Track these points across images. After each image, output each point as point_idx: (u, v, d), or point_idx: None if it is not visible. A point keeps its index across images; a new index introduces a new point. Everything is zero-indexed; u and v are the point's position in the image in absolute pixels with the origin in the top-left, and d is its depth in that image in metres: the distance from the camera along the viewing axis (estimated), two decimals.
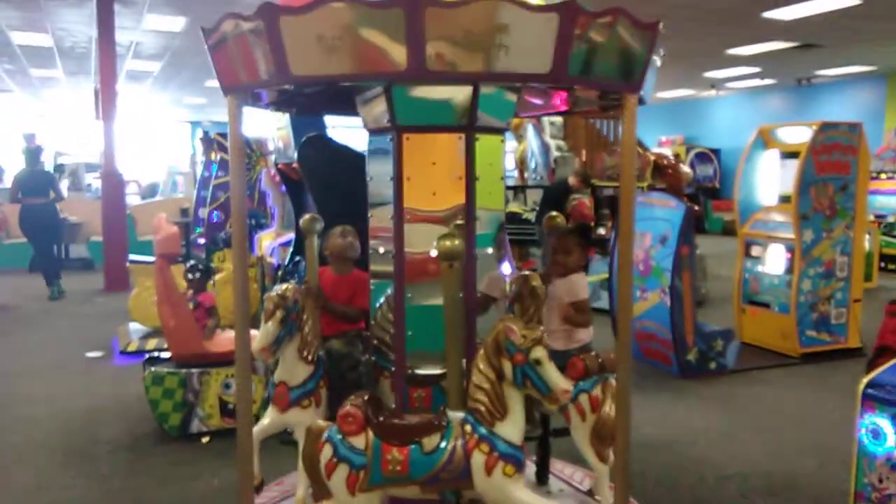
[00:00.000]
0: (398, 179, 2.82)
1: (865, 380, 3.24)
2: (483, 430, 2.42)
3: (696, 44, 12.04)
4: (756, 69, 15.33)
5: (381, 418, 2.53)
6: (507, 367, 2.41)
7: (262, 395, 4.38)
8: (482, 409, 2.44)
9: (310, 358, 3.01)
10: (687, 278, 5.88)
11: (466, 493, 2.53)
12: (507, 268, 3.36)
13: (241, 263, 2.68)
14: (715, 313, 7.70)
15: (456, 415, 2.51)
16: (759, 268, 6.68)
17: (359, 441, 2.46)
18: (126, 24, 10.48)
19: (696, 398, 5.37)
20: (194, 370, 4.52)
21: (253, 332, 2.81)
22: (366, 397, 2.58)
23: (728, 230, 15.94)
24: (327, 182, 4.82)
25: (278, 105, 3.48)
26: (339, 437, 2.49)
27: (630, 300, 2.69)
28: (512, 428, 2.44)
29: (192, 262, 5.22)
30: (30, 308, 8.83)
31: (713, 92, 19.24)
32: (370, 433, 2.47)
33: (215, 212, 9.09)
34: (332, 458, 2.48)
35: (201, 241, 9.31)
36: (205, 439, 4.48)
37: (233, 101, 2.53)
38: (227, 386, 4.53)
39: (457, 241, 2.54)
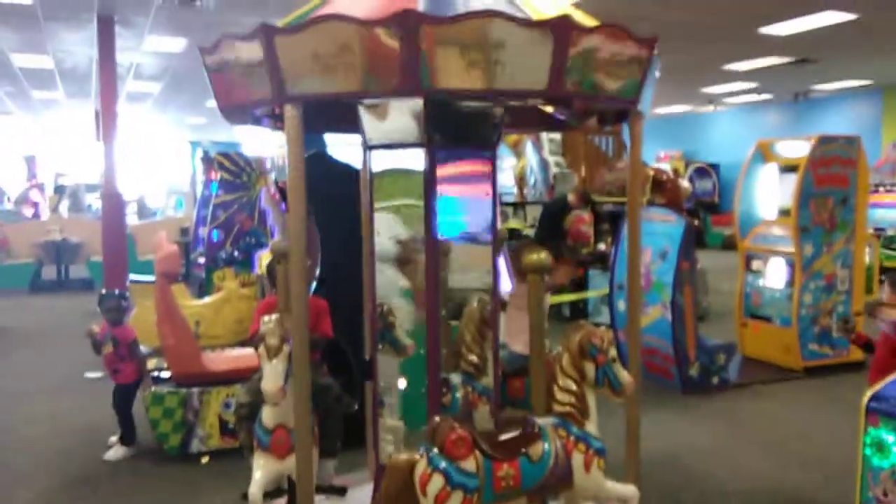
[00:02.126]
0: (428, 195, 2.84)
1: (869, 393, 3.23)
2: (577, 431, 2.61)
3: (694, 59, 12.09)
4: (753, 84, 15.40)
5: (484, 438, 2.51)
6: (590, 368, 2.62)
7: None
8: (572, 410, 2.63)
9: None
10: (688, 293, 5.87)
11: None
12: (507, 283, 3.37)
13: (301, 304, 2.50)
14: (716, 328, 7.68)
15: (546, 420, 2.61)
16: (761, 282, 6.67)
17: (469, 464, 2.40)
18: (127, 45, 10.55)
19: (698, 413, 5.34)
20: (194, 389, 4.50)
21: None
22: (451, 420, 2.50)
23: (728, 244, 15.92)
24: (328, 200, 4.82)
25: (277, 123, 3.46)
26: (449, 464, 2.38)
27: (638, 315, 2.71)
28: (594, 425, 2.66)
29: (105, 291, 4.77)
30: (30, 328, 8.82)
31: (711, 107, 19.32)
32: (478, 454, 2.43)
33: (215, 231, 9.07)
34: (444, 487, 2.36)
35: (201, 260, 9.29)
36: (204, 459, 4.45)
37: (292, 111, 2.40)
38: (227, 405, 4.50)
39: (543, 255, 2.78)
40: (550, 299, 8.32)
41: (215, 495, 3.92)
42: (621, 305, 6.36)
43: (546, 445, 2.52)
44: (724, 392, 5.83)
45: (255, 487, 2.76)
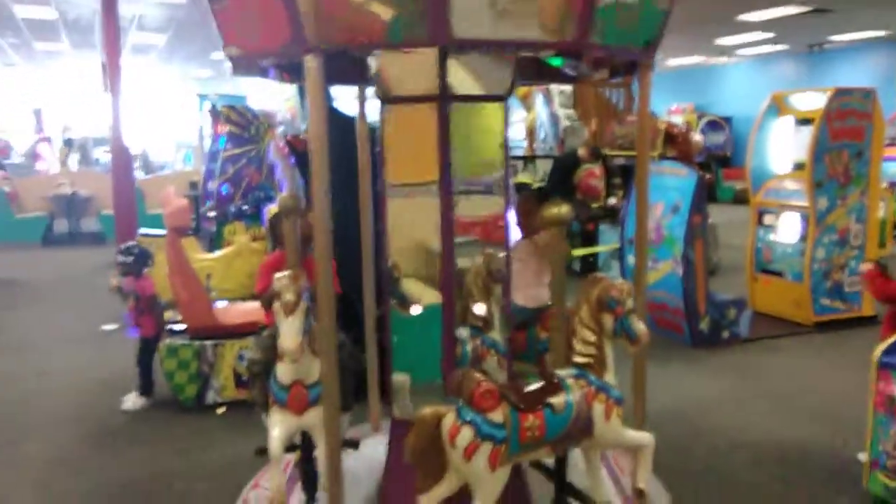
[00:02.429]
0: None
1: (881, 348, 3.23)
2: (597, 381, 2.66)
3: (707, 10, 11.83)
4: (768, 35, 15.08)
5: (510, 390, 2.55)
6: (608, 320, 2.66)
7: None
8: (591, 361, 2.69)
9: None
10: (699, 247, 5.85)
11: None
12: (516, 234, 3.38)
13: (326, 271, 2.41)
14: (727, 282, 7.67)
15: (566, 372, 2.66)
16: (772, 236, 6.63)
17: (497, 416, 2.43)
18: None
19: (708, 367, 5.37)
20: (208, 342, 4.54)
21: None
22: (475, 372, 2.53)
23: (739, 199, 15.80)
24: (337, 154, 4.78)
25: (284, 75, 3.39)
26: (477, 415, 2.40)
27: (644, 269, 2.70)
28: (612, 375, 2.71)
29: (126, 244, 4.72)
30: (43, 281, 8.89)
31: (724, 59, 18.98)
32: (505, 406, 2.46)
33: (224, 185, 9.05)
34: (473, 439, 2.38)
35: (211, 214, 9.30)
36: (220, 410, 4.52)
37: (313, 61, 2.26)
38: (241, 357, 4.55)
39: (564, 208, 2.77)
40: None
41: (230, 445, 3.99)
42: (631, 260, 6.34)
43: (568, 396, 2.57)
44: (734, 347, 5.85)
45: (276, 444, 2.72)
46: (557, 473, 2.92)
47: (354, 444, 3.18)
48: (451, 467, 2.45)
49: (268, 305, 2.72)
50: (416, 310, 3.08)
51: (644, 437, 2.77)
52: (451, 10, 2.07)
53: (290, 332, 2.59)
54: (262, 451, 2.89)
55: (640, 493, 2.77)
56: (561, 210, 2.76)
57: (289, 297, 2.61)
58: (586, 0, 2.16)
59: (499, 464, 2.41)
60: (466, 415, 2.40)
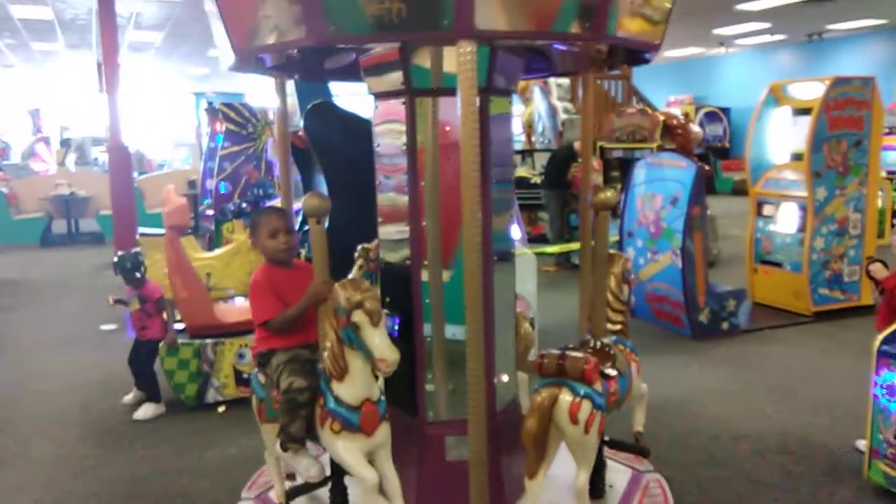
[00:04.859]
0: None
1: (881, 336, 3.23)
2: (630, 344, 3.04)
3: None
4: (766, 25, 15.06)
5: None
6: (626, 290, 3.07)
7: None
8: (623, 328, 3.06)
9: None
10: (698, 239, 5.84)
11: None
12: (516, 232, 3.36)
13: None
14: (726, 273, 7.67)
15: (607, 340, 2.95)
16: (771, 227, 6.63)
17: (599, 386, 2.66)
18: None
19: (708, 359, 5.37)
20: (208, 341, 4.55)
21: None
22: (575, 351, 2.75)
23: (738, 190, 15.81)
24: (335, 151, 4.78)
25: (281, 70, 3.35)
26: (588, 389, 2.61)
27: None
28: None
29: (119, 254, 4.60)
30: (42, 282, 8.90)
31: (722, 49, 18.95)
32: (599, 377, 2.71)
33: (223, 183, 9.05)
34: (592, 411, 2.59)
35: (210, 213, 9.29)
36: (221, 408, 4.53)
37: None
38: (241, 356, 4.56)
39: (610, 193, 2.94)
40: (559, 248, 8.33)
41: (232, 444, 4.00)
42: (630, 252, 6.35)
43: (622, 361, 2.88)
44: (733, 337, 5.86)
45: (369, 473, 2.47)
46: None
47: None
48: (550, 447, 2.62)
49: (345, 317, 2.39)
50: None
51: (645, 386, 3.18)
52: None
53: (385, 341, 2.37)
54: (303, 491, 2.81)
55: (638, 436, 3.16)
56: (608, 194, 2.94)
57: (373, 304, 2.37)
58: None
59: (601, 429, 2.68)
60: (580, 390, 2.59)
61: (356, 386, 2.48)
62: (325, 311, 2.54)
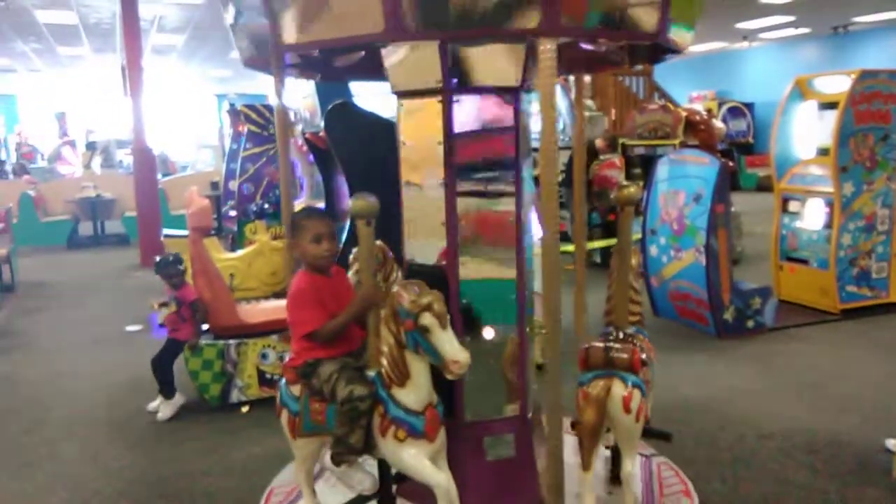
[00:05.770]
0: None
1: None
2: (646, 333, 3.13)
3: None
4: (790, 18, 14.87)
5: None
6: (641, 282, 3.23)
7: None
8: (641, 318, 3.16)
9: None
10: (723, 236, 5.78)
11: None
12: (537, 230, 3.33)
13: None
14: (751, 271, 7.59)
15: (630, 330, 3.02)
16: (797, 223, 6.54)
17: (642, 374, 2.77)
18: None
19: (733, 357, 5.31)
20: (231, 341, 4.58)
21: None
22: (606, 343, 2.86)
23: (762, 186, 15.63)
24: (356, 151, 4.78)
25: (302, 71, 3.31)
26: (636, 378, 2.71)
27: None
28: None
29: (159, 258, 4.63)
30: (68, 284, 9.01)
31: (745, 44, 18.74)
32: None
33: (245, 184, 9.13)
34: (641, 400, 2.69)
35: (232, 213, 9.37)
36: (244, 408, 4.56)
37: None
38: (264, 356, 4.59)
39: (633, 189, 2.99)
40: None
41: (256, 444, 4.02)
42: (653, 250, 6.30)
43: (646, 349, 2.97)
44: (759, 336, 5.79)
45: (441, 477, 2.42)
46: None
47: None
48: (596, 437, 2.69)
49: (413, 321, 2.33)
50: (488, 334, 2.89)
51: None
52: None
53: (456, 343, 2.32)
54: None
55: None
56: (631, 190, 3.00)
57: (441, 307, 2.31)
58: None
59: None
60: (629, 379, 2.69)
61: (420, 391, 2.42)
62: (382, 317, 2.47)
